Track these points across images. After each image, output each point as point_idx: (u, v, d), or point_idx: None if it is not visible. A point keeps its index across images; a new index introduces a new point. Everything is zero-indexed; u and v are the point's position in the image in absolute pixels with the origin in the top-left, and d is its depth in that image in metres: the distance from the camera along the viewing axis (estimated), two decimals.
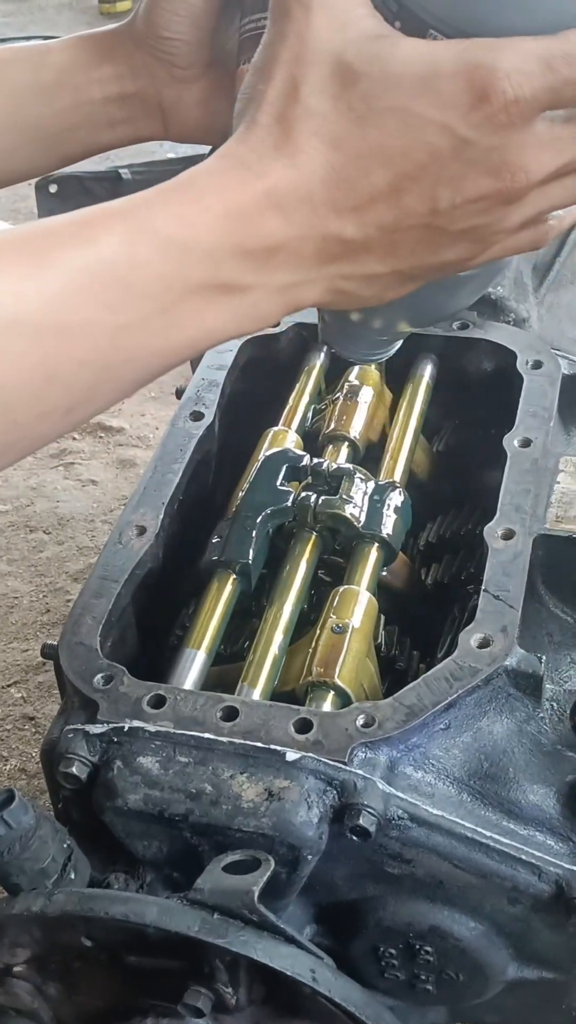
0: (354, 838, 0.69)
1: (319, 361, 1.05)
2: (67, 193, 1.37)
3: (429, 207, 0.54)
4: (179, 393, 1.02)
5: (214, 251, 0.53)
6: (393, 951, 0.77)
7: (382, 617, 0.86)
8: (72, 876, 0.71)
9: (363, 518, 0.88)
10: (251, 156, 0.54)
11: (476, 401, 1.02)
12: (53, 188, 1.37)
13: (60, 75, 0.81)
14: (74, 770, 0.72)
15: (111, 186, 1.39)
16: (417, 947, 0.76)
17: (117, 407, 2.04)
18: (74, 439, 1.99)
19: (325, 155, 0.53)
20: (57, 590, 1.69)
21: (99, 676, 0.77)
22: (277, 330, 1.05)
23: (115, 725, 0.73)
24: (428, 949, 0.76)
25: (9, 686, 1.53)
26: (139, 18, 0.80)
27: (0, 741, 1.44)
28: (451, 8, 0.53)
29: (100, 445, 1.97)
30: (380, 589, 0.87)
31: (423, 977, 0.78)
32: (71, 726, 0.74)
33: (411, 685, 0.74)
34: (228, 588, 0.86)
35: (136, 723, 0.73)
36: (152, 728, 0.73)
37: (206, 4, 0.78)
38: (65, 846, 0.72)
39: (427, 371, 1.03)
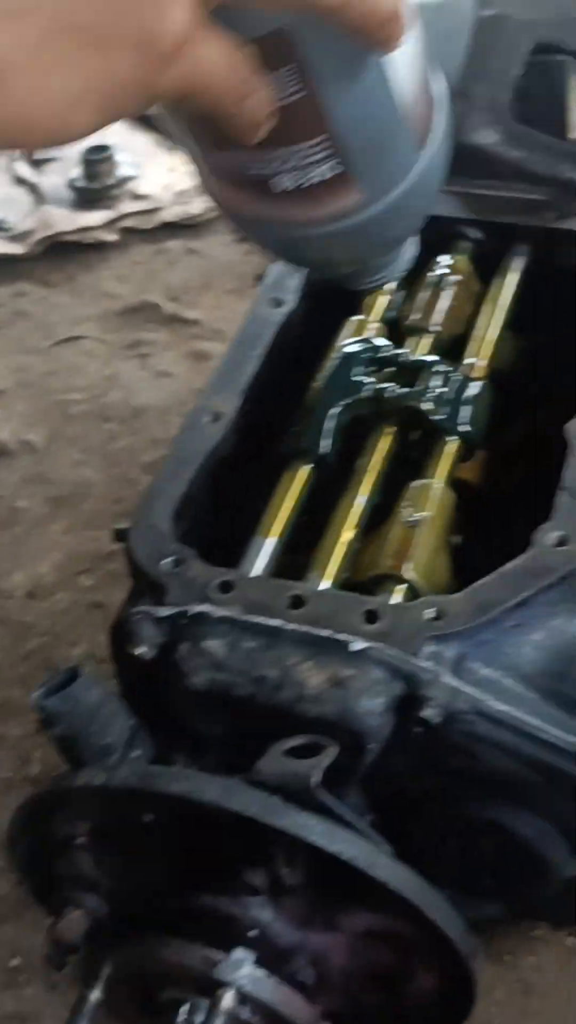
0: (418, 729, 0.69)
1: None
2: None
3: None
4: (258, 279, 0.99)
5: None
6: (452, 845, 0.77)
7: (457, 513, 0.84)
8: (135, 754, 0.71)
9: (442, 412, 0.86)
10: None
11: (567, 296, 0.98)
12: None
13: None
14: (141, 650, 0.72)
15: None
16: (476, 841, 0.76)
17: (193, 300, 2.01)
18: (149, 331, 1.97)
19: None
20: (129, 481, 1.69)
21: (168, 559, 0.76)
22: None
23: (182, 608, 0.73)
24: (488, 844, 0.75)
25: (80, 573, 1.54)
26: None
27: (69, 627, 1.45)
28: None
29: (175, 337, 1.95)
30: (456, 486, 0.85)
31: (481, 871, 0.78)
32: (139, 608, 0.74)
33: (484, 580, 0.72)
34: (303, 478, 0.85)
35: (203, 607, 0.73)
36: (219, 612, 0.72)
37: None
38: (129, 724, 0.72)
39: (519, 263, 0.99)
